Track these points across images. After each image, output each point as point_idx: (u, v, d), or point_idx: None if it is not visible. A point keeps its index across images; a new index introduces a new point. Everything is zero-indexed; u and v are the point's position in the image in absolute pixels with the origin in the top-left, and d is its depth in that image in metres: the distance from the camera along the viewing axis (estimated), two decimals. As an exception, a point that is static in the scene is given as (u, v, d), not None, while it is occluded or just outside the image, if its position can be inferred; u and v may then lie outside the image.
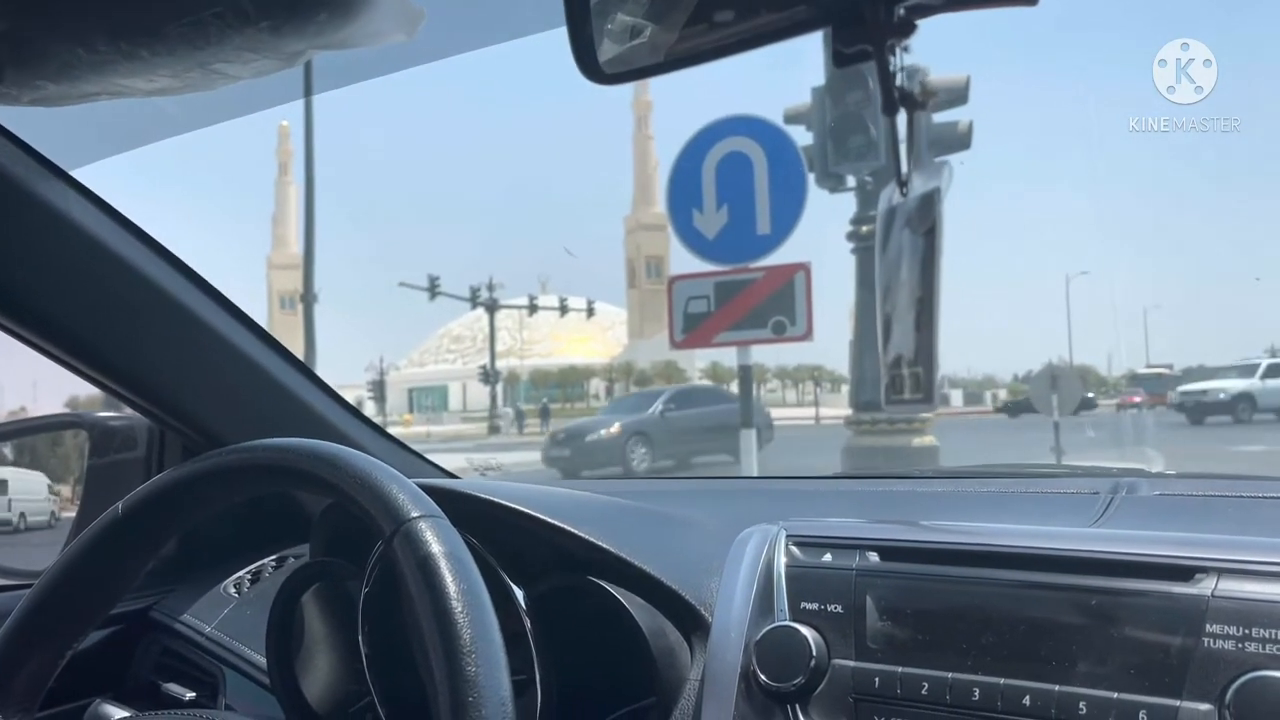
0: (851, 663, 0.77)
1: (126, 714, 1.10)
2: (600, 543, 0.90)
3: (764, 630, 0.80)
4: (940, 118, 5.64)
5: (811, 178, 5.43)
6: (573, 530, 0.91)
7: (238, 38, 0.60)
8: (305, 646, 1.00)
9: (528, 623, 0.85)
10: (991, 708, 0.71)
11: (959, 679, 0.73)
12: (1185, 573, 0.69)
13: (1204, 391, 16.58)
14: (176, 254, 1.12)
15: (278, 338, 1.27)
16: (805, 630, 0.79)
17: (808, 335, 5.01)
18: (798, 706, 0.78)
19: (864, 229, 6.41)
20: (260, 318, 1.24)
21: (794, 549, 0.85)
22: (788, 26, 0.54)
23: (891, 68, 0.54)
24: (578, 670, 0.86)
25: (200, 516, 0.78)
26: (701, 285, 5.25)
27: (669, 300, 5.34)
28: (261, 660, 1.06)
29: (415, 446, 1.47)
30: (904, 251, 0.75)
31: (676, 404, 13.86)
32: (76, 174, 1.01)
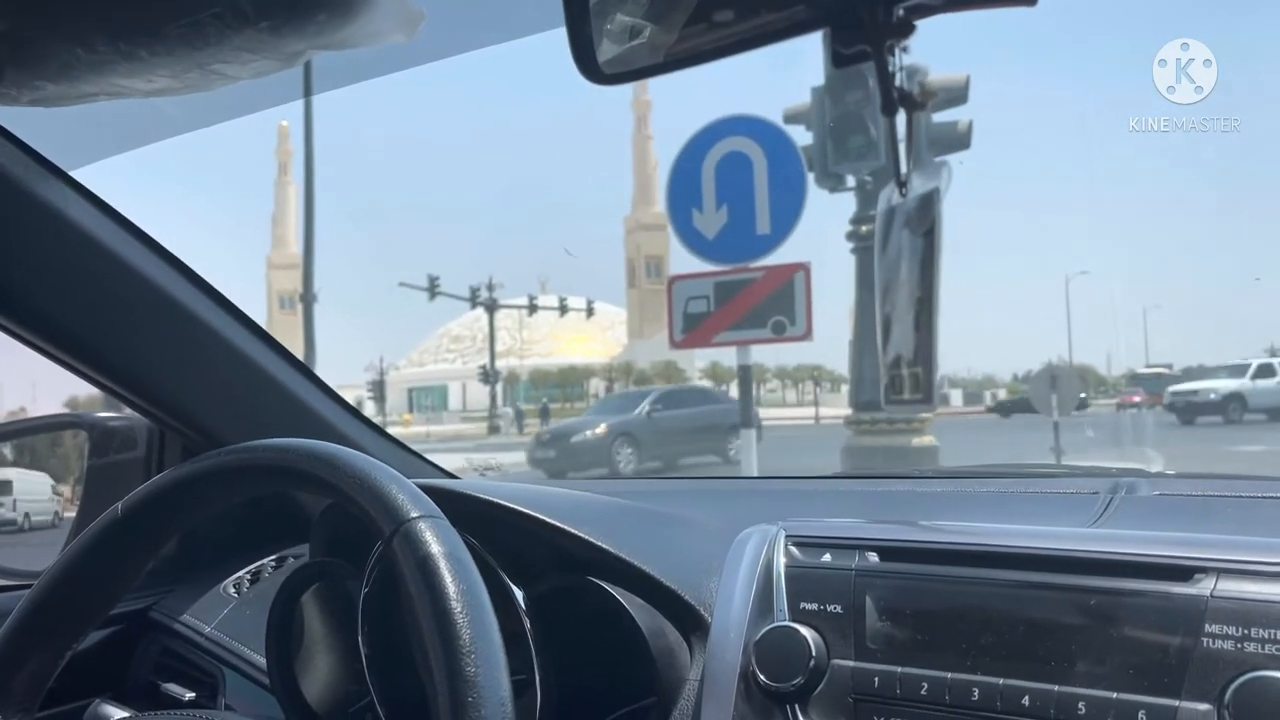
0: (851, 663, 0.77)
1: (126, 714, 1.10)
2: (600, 543, 0.90)
3: (763, 630, 0.80)
4: (940, 117, 5.64)
5: (811, 177, 5.44)
6: (572, 530, 0.91)
7: (237, 38, 0.60)
8: (305, 647, 1.00)
9: (527, 623, 0.85)
10: (990, 708, 0.71)
11: (958, 679, 0.73)
12: (1184, 573, 0.69)
13: (1194, 392, 16.56)
14: (176, 254, 1.12)
15: (277, 338, 1.27)
16: (805, 630, 0.79)
17: (807, 335, 5.01)
18: (797, 706, 0.78)
19: (864, 229, 6.41)
20: (260, 318, 1.24)
21: (793, 549, 0.85)
22: (787, 27, 0.54)
23: (890, 68, 0.54)
24: (577, 670, 0.86)
25: (200, 516, 0.78)
26: (701, 285, 5.25)
27: (669, 300, 5.34)
28: (261, 660, 1.06)
29: (415, 446, 1.48)
30: (903, 252, 0.75)
31: (664, 404, 13.75)
32: (76, 174, 1.01)
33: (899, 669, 0.75)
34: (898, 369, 0.79)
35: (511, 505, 0.93)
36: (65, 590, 0.76)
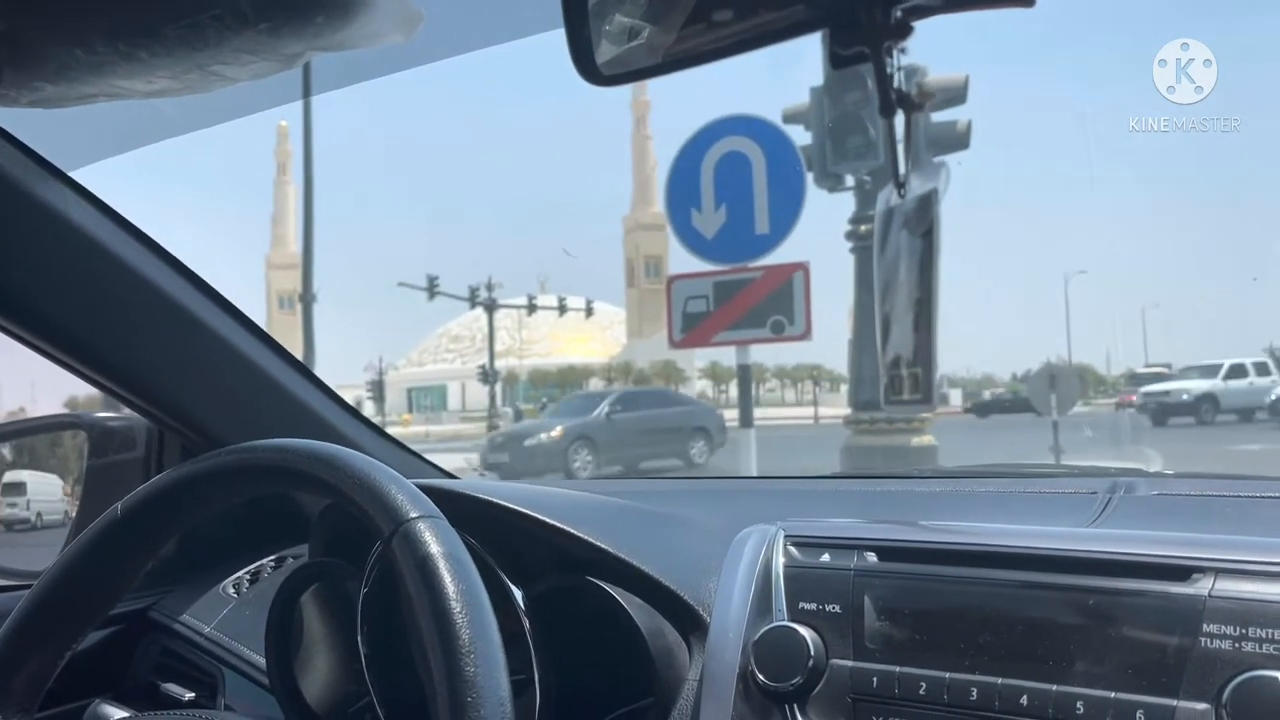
0: (849, 663, 0.78)
1: (126, 714, 1.10)
2: (599, 543, 0.90)
3: (762, 630, 0.80)
4: (939, 117, 5.64)
5: (810, 177, 5.45)
6: (571, 530, 0.91)
7: (236, 39, 0.60)
8: (304, 647, 1.00)
9: (526, 623, 0.85)
10: (989, 707, 0.71)
11: (956, 679, 0.73)
12: (1182, 572, 0.69)
13: (1167, 393, 16.48)
14: (175, 254, 1.12)
15: (276, 338, 1.27)
16: (803, 630, 0.79)
17: (806, 335, 5.02)
18: (796, 706, 0.78)
19: (863, 228, 6.41)
20: (259, 318, 1.24)
21: (792, 549, 0.85)
22: (785, 28, 0.54)
23: (889, 69, 0.54)
24: (576, 670, 0.86)
25: (199, 517, 0.79)
26: (700, 285, 5.26)
27: (668, 300, 5.35)
28: (260, 660, 1.06)
29: (414, 446, 1.48)
30: (902, 252, 0.75)
31: (623, 406, 13.25)
32: (76, 174, 1.01)
33: (897, 669, 0.75)
34: (897, 369, 0.79)
35: (511, 505, 0.93)
36: (65, 590, 0.77)
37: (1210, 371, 16.30)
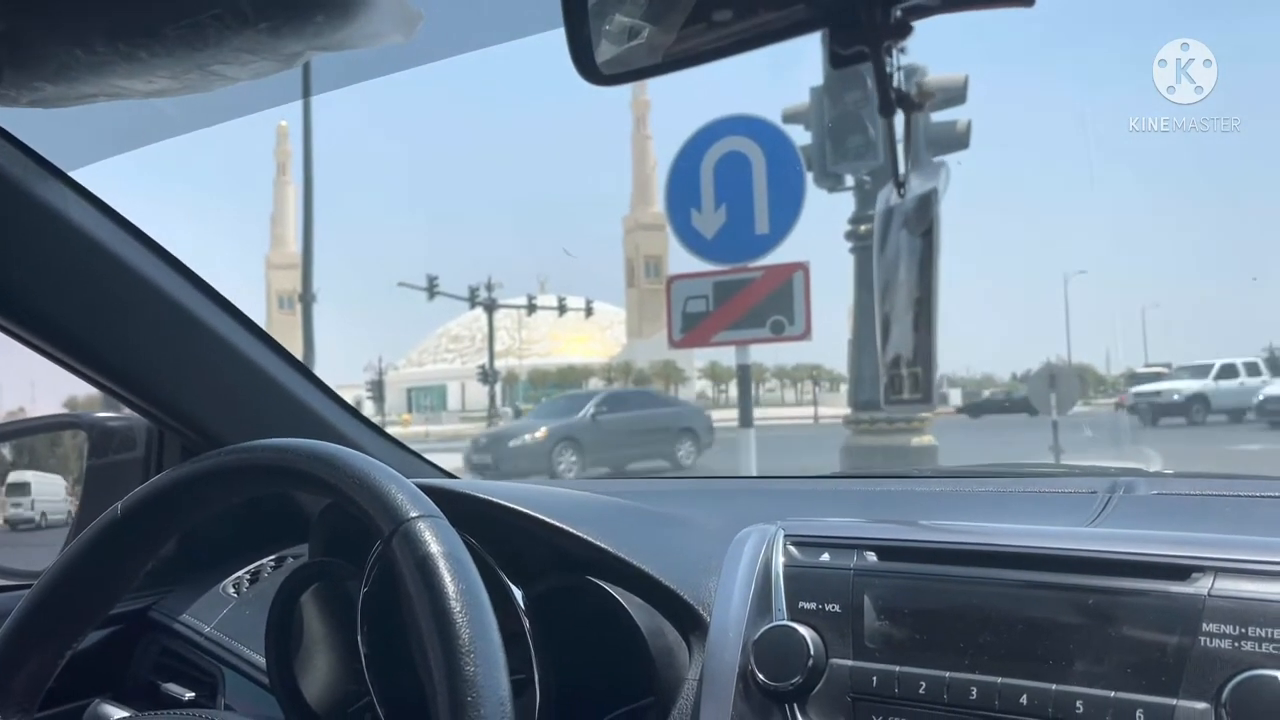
0: (849, 662, 0.78)
1: (126, 714, 1.10)
2: (599, 542, 0.90)
3: (762, 630, 0.80)
4: (938, 117, 5.64)
5: (810, 177, 5.45)
6: (571, 530, 0.91)
7: (236, 39, 0.60)
8: (304, 646, 1.00)
9: (526, 622, 0.85)
10: (989, 706, 0.71)
11: (956, 678, 0.73)
12: (1182, 572, 0.69)
13: (1158, 393, 16.44)
14: (175, 254, 1.12)
15: (276, 338, 1.27)
16: (803, 630, 0.79)
17: (806, 334, 5.02)
18: (795, 706, 0.78)
19: (863, 228, 6.41)
20: (259, 317, 1.24)
21: (792, 548, 0.85)
22: (785, 28, 0.54)
23: (888, 69, 0.54)
24: (576, 670, 0.86)
25: (199, 517, 0.79)
26: (700, 285, 5.26)
27: (668, 300, 5.35)
28: (261, 660, 1.06)
29: (414, 446, 1.48)
30: (902, 252, 0.75)
31: (609, 407, 13.02)
32: (76, 174, 1.01)
33: (897, 668, 0.75)
34: (897, 369, 0.79)
35: (511, 505, 0.93)
36: (65, 590, 0.77)
37: (1201, 372, 16.29)
